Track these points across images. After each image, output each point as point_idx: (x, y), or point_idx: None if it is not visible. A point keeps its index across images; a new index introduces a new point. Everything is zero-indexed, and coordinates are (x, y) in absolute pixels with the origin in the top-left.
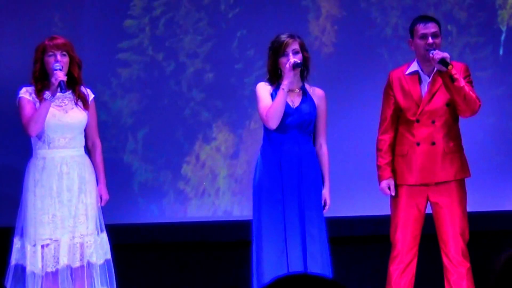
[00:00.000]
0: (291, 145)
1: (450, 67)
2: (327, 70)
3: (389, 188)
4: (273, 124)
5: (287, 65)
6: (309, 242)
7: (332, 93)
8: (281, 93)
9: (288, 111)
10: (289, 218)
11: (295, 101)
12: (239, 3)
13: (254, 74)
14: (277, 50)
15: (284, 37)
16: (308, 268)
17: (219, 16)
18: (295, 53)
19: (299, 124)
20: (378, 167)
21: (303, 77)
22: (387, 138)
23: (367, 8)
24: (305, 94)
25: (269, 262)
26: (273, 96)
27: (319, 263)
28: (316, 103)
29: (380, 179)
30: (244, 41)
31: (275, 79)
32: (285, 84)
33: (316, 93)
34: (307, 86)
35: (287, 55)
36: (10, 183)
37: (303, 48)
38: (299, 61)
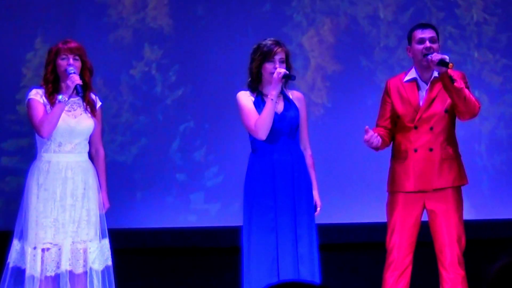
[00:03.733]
0: (283, 153)
1: (450, 65)
2: (314, 139)
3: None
4: (263, 135)
5: (275, 75)
6: (300, 246)
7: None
8: (269, 104)
9: (274, 118)
10: (281, 225)
11: (279, 106)
12: (182, 84)
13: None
14: (264, 55)
15: (271, 43)
16: (300, 273)
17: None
18: (281, 62)
19: (288, 130)
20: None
21: (284, 84)
22: (379, 128)
23: (369, 67)
24: (287, 99)
25: (259, 269)
26: (255, 104)
27: (308, 268)
28: (298, 106)
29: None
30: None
31: (256, 85)
32: (273, 94)
33: (296, 96)
34: (285, 90)
35: (274, 62)
36: (7, 187)
37: (288, 58)
38: (286, 72)
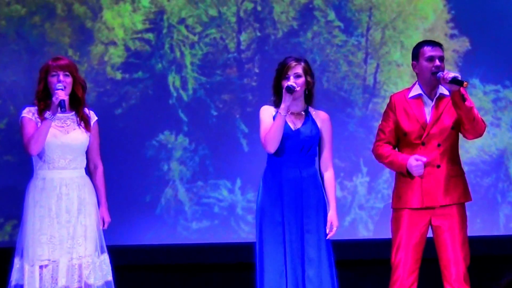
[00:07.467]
0: (291, 168)
1: (465, 84)
2: None
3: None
4: (271, 148)
5: (284, 89)
6: (307, 266)
7: None
8: (278, 118)
9: (288, 133)
10: (289, 241)
11: (297, 123)
12: None
13: None
14: (280, 73)
15: (289, 59)
16: None
17: None
18: (296, 76)
19: (299, 147)
20: (385, 158)
21: (309, 101)
22: (381, 142)
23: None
24: (308, 117)
25: (269, 285)
26: (275, 118)
27: (317, 287)
28: (319, 126)
29: (401, 163)
30: None
31: (279, 101)
32: (282, 108)
33: (320, 116)
34: (311, 109)
35: (288, 78)
36: (13, 204)
37: (307, 73)
38: (292, 85)
